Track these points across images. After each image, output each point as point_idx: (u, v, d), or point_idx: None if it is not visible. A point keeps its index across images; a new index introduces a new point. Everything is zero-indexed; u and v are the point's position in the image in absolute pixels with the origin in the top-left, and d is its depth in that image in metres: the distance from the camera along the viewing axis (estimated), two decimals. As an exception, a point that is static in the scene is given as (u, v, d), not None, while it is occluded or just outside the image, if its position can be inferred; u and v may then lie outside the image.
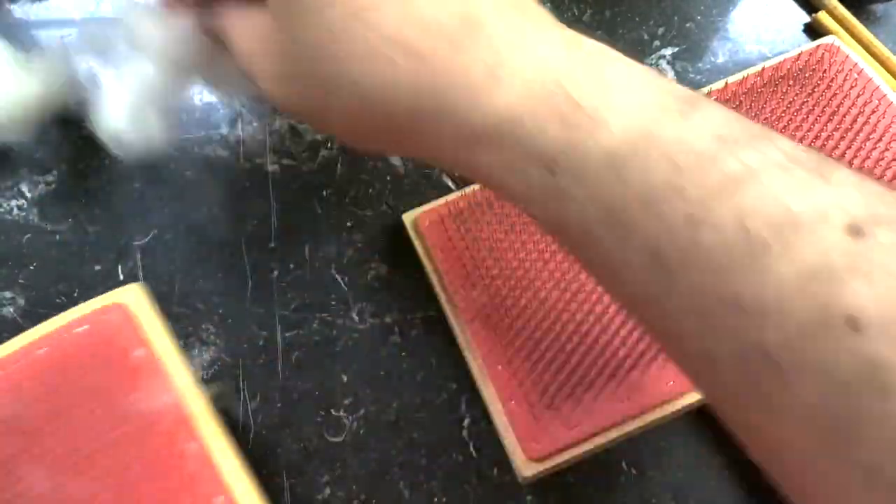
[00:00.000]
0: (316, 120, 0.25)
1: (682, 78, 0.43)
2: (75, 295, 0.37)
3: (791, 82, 0.37)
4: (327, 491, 0.33)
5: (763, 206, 0.16)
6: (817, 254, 0.16)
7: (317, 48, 0.21)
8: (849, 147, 0.35)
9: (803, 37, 0.45)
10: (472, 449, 0.34)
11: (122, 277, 0.37)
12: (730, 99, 0.37)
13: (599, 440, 0.30)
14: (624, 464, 0.34)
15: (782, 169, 0.17)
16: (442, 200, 0.37)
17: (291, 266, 0.38)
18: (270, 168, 0.40)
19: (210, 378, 0.35)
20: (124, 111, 0.31)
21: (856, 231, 0.15)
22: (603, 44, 0.21)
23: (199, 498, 0.28)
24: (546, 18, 0.21)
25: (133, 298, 0.32)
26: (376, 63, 0.20)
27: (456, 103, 0.20)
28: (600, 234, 0.19)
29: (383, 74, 0.20)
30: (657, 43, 0.44)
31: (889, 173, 0.34)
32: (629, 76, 0.19)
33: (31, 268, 0.37)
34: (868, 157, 0.34)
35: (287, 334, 0.36)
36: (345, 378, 0.35)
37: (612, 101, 0.19)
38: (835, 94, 0.36)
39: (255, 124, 0.41)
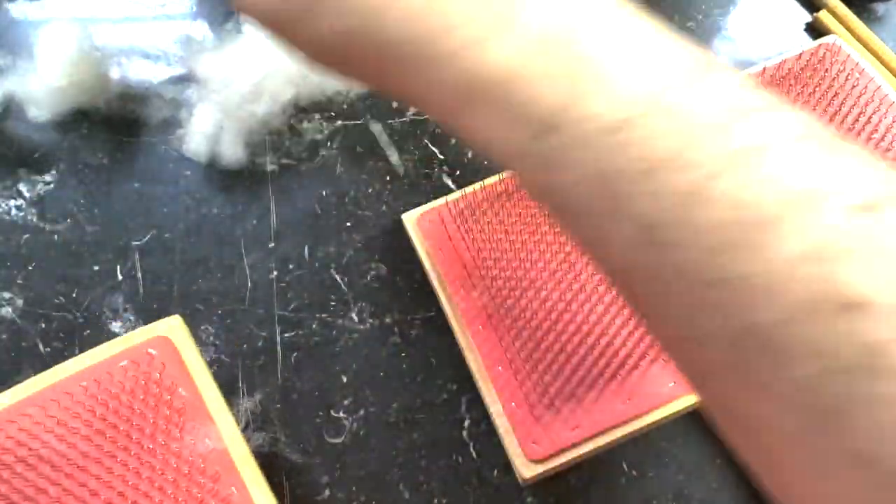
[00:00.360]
0: (289, 31, 0.22)
1: (682, 77, 0.43)
2: (74, 295, 0.36)
3: (792, 81, 0.37)
4: (327, 492, 0.33)
5: (767, 182, 0.16)
6: (819, 233, 0.15)
7: None
8: (850, 147, 0.35)
9: (804, 36, 0.45)
10: (472, 450, 0.34)
11: (120, 278, 0.37)
12: (731, 98, 0.37)
13: (600, 441, 0.30)
14: (624, 464, 0.34)
15: (791, 144, 0.16)
16: (442, 200, 0.37)
17: (291, 266, 0.37)
18: (270, 168, 0.40)
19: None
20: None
21: (861, 211, 0.15)
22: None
23: None
24: None
25: (176, 332, 0.31)
26: None
27: (452, 50, 0.19)
28: (592, 204, 0.18)
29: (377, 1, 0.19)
30: (658, 42, 0.44)
31: (890, 173, 0.34)
32: (644, 36, 0.18)
33: (30, 268, 0.37)
34: (869, 157, 0.34)
35: (286, 335, 0.36)
36: (344, 379, 0.35)
37: (622, 62, 0.17)
38: (836, 94, 0.36)
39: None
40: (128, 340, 0.31)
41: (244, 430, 0.33)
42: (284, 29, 0.22)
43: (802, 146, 0.16)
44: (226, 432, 0.29)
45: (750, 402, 0.17)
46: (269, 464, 0.33)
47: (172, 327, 0.31)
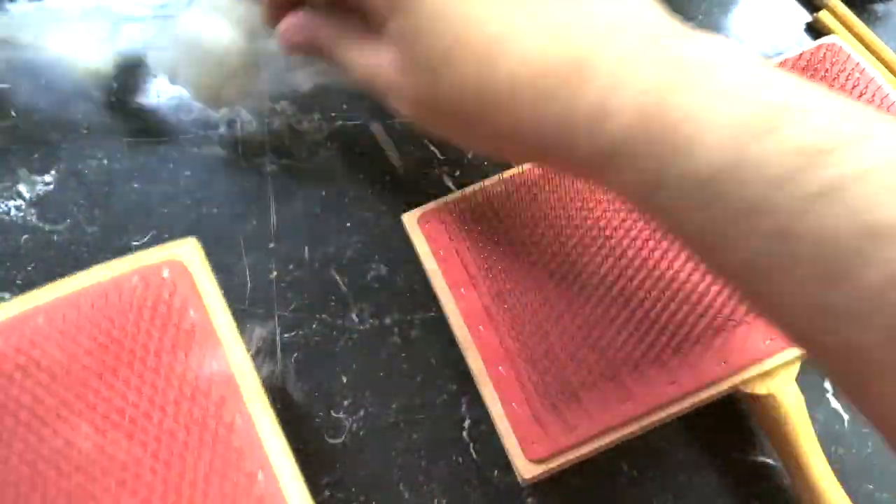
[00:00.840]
0: (455, 139, 0.28)
1: (682, 77, 0.43)
2: (74, 295, 0.36)
3: (792, 82, 0.37)
4: (327, 493, 0.33)
5: (848, 216, 0.17)
6: None
7: (451, 88, 0.24)
8: (850, 147, 0.35)
9: (805, 36, 0.45)
10: (472, 450, 0.34)
11: (120, 278, 0.37)
12: (731, 98, 0.37)
13: (600, 442, 0.30)
14: (625, 465, 0.34)
15: (872, 174, 0.18)
16: (442, 200, 0.37)
17: (291, 266, 0.37)
18: (270, 168, 0.40)
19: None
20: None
21: None
22: (710, 41, 0.22)
23: (243, 472, 0.27)
24: (652, 29, 0.23)
25: (190, 255, 0.30)
26: (507, 101, 0.23)
27: (572, 135, 0.23)
28: (702, 245, 0.22)
29: (512, 112, 0.24)
30: (658, 42, 0.44)
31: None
32: (726, 83, 0.21)
33: (29, 269, 0.37)
34: (870, 157, 0.34)
35: (286, 335, 0.36)
36: (344, 379, 0.35)
37: (707, 119, 0.20)
38: (836, 94, 0.36)
39: (254, 124, 0.41)
40: (140, 259, 0.30)
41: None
42: (451, 138, 0.28)
43: (880, 175, 0.18)
44: (234, 359, 0.29)
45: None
46: (269, 464, 0.33)
47: (187, 249, 0.31)
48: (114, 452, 0.26)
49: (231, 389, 0.28)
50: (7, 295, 0.36)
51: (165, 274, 0.30)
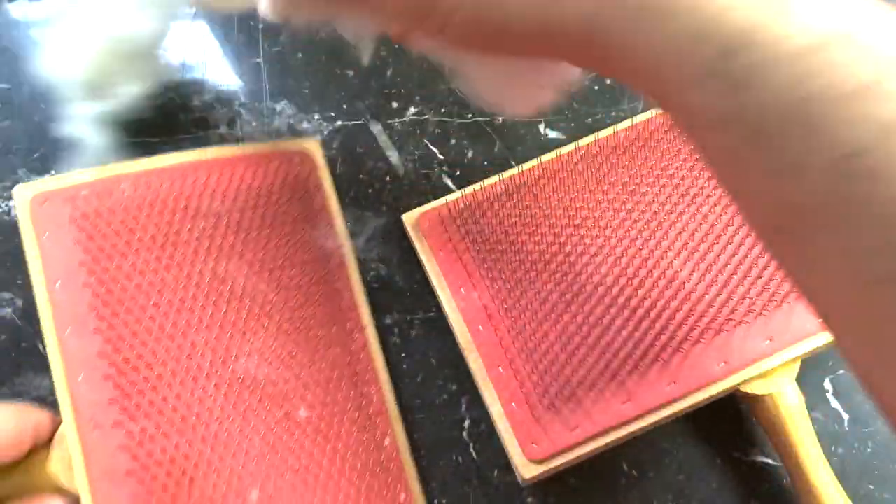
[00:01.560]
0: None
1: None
2: (74, 295, 0.36)
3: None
4: (327, 492, 0.33)
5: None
6: None
7: None
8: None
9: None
10: (472, 450, 0.34)
11: (120, 278, 0.37)
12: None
13: (600, 442, 0.30)
14: (624, 465, 0.34)
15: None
16: (442, 200, 0.37)
17: (291, 266, 0.37)
18: (270, 168, 0.40)
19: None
20: None
21: None
22: None
23: (346, 329, 0.34)
24: None
25: (315, 149, 0.37)
26: None
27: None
28: (785, 128, 0.17)
29: None
30: (658, 42, 0.44)
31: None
32: None
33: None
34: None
35: (286, 335, 0.36)
36: (344, 379, 0.35)
37: None
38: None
39: (254, 124, 0.41)
40: (279, 146, 0.37)
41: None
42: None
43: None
44: (343, 237, 0.36)
45: None
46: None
47: (313, 144, 0.38)
48: (264, 290, 0.33)
49: (341, 262, 0.36)
50: (7, 295, 0.36)
51: (297, 160, 0.37)
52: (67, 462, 0.29)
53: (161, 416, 0.30)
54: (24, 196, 0.32)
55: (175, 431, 0.30)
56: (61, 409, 0.29)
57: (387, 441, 0.33)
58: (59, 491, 0.29)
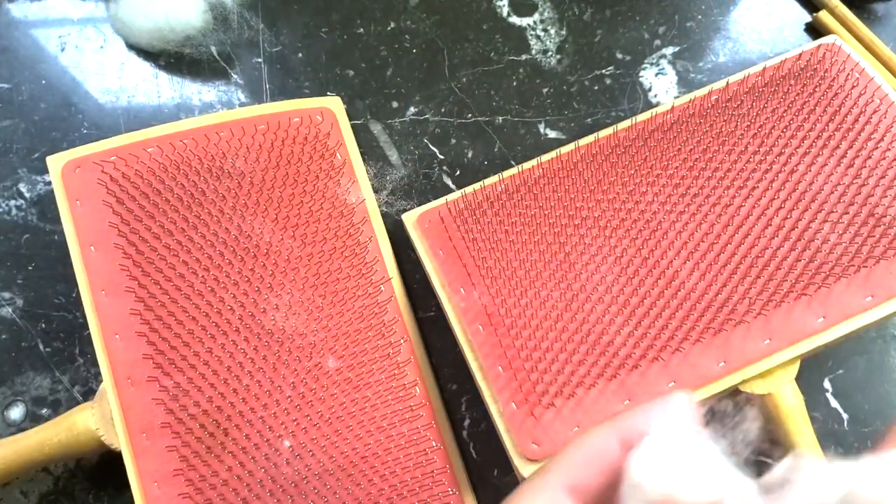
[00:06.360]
0: None
1: (682, 77, 0.43)
2: (74, 295, 0.36)
3: (792, 82, 0.37)
4: (327, 492, 0.33)
5: None
6: None
7: None
8: (850, 147, 0.35)
9: (805, 36, 0.45)
10: (472, 450, 0.34)
11: (121, 278, 0.37)
12: (731, 98, 0.37)
13: (600, 441, 0.30)
14: (624, 465, 0.33)
15: None
16: (442, 200, 0.37)
17: (291, 266, 0.37)
18: (270, 168, 0.40)
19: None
20: None
21: None
22: None
23: (372, 281, 0.35)
24: None
25: (336, 106, 0.38)
26: None
27: None
28: None
29: None
30: (658, 42, 0.44)
31: (890, 173, 0.34)
32: None
33: (30, 268, 0.37)
34: (869, 157, 0.34)
35: (287, 335, 0.36)
36: (344, 379, 0.35)
37: None
38: (836, 94, 0.36)
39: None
40: (299, 103, 0.37)
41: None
42: None
43: None
44: (366, 192, 0.37)
45: None
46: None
47: (335, 103, 0.38)
48: (287, 246, 0.34)
49: (364, 216, 0.36)
50: (7, 294, 0.36)
51: (319, 118, 0.37)
52: (109, 418, 0.30)
53: (193, 370, 0.31)
54: (57, 165, 0.34)
55: (207, 385, 0.31)
56: (101, 367, 0.31)
57: (417, 389, 0.34)
58: (102, 447, 0.30)
